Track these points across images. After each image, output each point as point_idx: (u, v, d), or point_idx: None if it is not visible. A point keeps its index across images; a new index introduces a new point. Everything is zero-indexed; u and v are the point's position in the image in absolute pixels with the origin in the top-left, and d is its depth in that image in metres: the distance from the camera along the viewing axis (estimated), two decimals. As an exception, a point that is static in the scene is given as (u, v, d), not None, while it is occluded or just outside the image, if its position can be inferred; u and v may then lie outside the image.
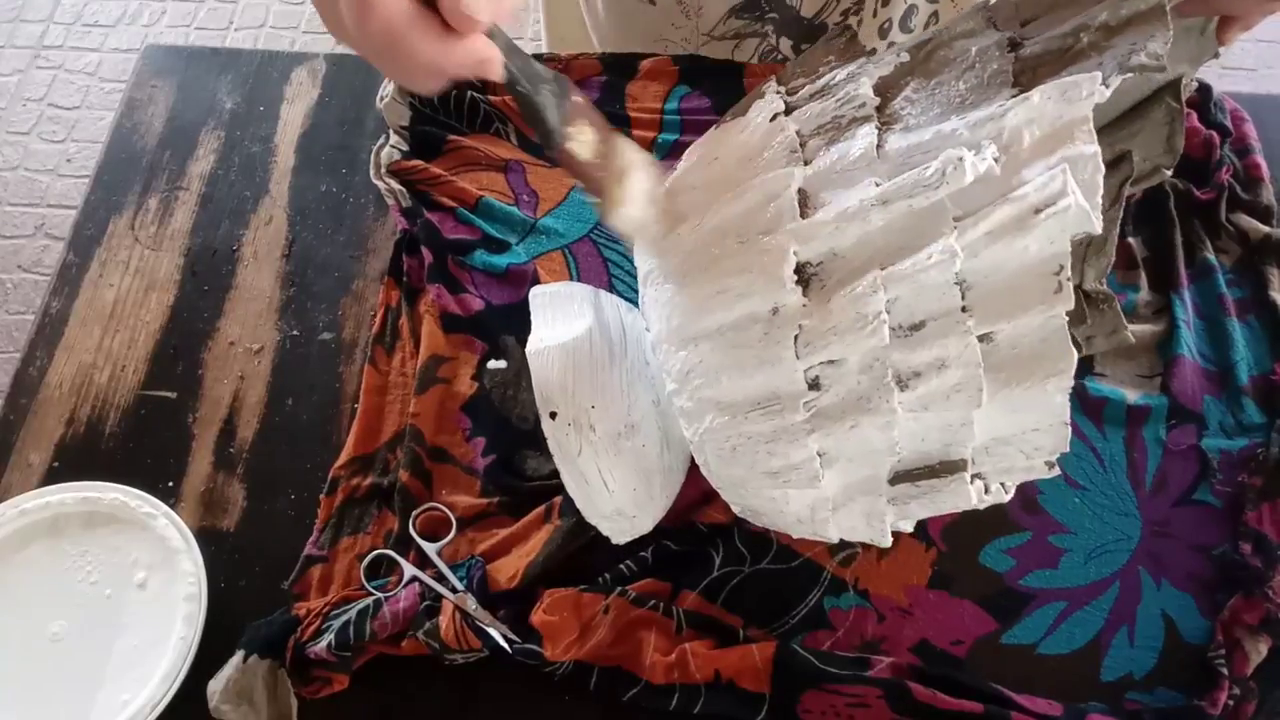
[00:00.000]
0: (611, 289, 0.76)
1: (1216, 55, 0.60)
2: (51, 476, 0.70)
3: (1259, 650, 0.61)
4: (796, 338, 0.49)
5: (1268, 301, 0.74)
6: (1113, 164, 0.55)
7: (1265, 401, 0.71)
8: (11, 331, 1.72)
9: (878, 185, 0.48)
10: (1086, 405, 0.70)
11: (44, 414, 0.72)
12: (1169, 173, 0.60)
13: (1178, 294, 0.74)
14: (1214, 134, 0.80)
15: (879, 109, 0.52)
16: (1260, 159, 0.80)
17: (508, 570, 0.64)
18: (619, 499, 0.61)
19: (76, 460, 0.71)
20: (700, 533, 0.66)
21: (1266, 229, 0.77)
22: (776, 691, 0.59)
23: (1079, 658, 0.63)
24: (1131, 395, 0.71)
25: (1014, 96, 0.48)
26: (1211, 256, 0.76)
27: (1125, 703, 0.62)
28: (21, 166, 1.89)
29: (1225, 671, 0.61)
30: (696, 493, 0.66)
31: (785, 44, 0.86)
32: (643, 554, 0.64)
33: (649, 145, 0.82)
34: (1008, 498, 0.54)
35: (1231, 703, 0.60)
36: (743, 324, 0.51)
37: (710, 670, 0.60)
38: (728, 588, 0.65)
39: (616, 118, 0.83)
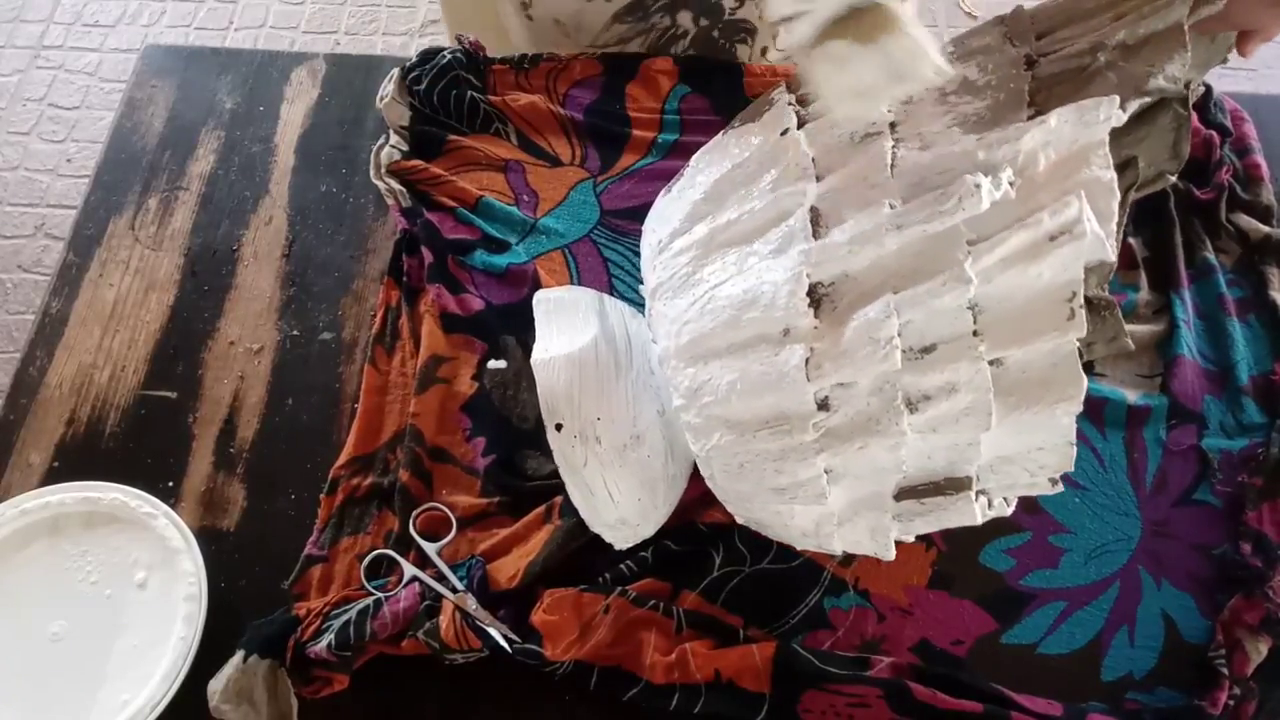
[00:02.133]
0: (612, 289, 0.75)
1: (1225, 61, 0.60)
2: (51, 476, 0.70)
3: (1259, 650, 0.61)
4: (808, 360, 0.49)
5: (1268, 301, 0.74)
6: (1118, 170, 0.54)
7: (1265, 401, 0.71)
8: (11, 331, 1.71)
9: (892, 206, 0.48)
10: (1087, 406, 0.69)
11: (44, 414, 0.72)
12: (1174, 178, 0.59)
13: (1178, 294, 0.74)
14: (1214, 134, 0.80)
15: (893, 125, 0.52)
16: (1260, 159, 0.80)
17: (508, 570, 0.64)
18: (624, 509, 0.61)
19: (76, 460, 0.70)
20: (700, 533, 0.65)
21: (1266, 229, 0.77)
22: (776, 691, 0.59)
23: (1079, 658, 0.63)
24: (1132, 395, 0.71)
25: (1030, 116, 0.47)
26: (1211, 256, 0.76)
27: (1125, 702, 0.62)
28: (21, 166, 1.89)
29: (1225, 671, 0.61)
30: (697, 493, 0.66)
31: (685, 17, 0.85)
32: (643, 554, 0.64)
33: (649, 145, 0.82)
34: (1009, 511, 0.54)
35: (1232, 703, 0.60)
36: (753, 344, 0.51)
37: (710, 670, 0.60)
38: (728, 588, 0.64)
39: (616, 117, 0.83)
